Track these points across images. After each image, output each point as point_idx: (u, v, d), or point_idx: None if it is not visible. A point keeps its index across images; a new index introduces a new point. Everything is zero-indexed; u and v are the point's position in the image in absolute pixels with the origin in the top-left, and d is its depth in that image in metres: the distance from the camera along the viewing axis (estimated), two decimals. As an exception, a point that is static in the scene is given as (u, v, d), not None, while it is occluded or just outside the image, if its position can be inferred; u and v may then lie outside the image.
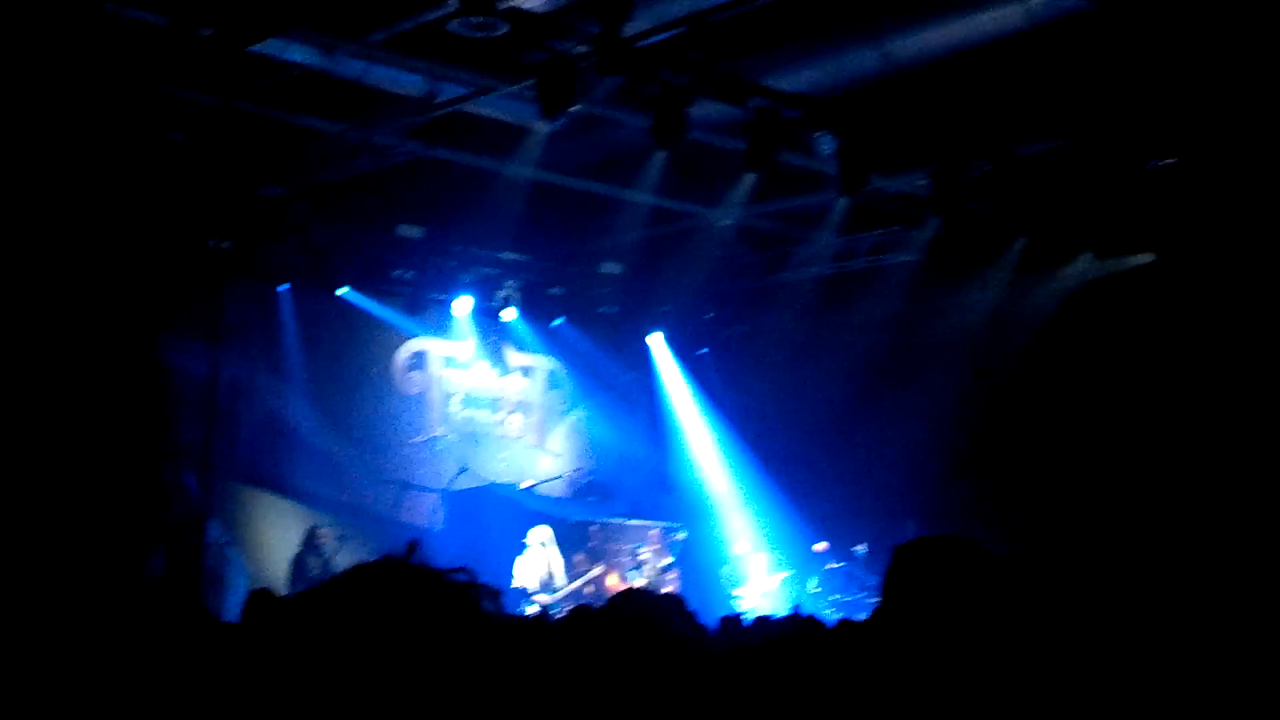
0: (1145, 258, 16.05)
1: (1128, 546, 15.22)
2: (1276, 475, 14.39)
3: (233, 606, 13.74)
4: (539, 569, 15.89)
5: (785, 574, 17.58)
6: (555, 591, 15.78)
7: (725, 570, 17.56)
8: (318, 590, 1.98)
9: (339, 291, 17.16)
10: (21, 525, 12.82)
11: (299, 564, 15.60)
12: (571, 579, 16.20)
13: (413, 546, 2.02)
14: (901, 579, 2.49)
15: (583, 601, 14.71)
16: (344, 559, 15.74)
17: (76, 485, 13.54)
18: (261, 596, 8.52)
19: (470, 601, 1.99)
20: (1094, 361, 16.24)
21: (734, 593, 17.23)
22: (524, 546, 16.07)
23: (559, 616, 11.15)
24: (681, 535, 17.42)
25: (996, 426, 17.19)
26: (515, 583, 15.42)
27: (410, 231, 17.11)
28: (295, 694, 1.84)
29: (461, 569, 2.02)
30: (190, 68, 12.45)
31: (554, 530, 16.56)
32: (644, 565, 16.79)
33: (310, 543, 15.79)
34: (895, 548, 2.58)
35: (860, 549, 17.14)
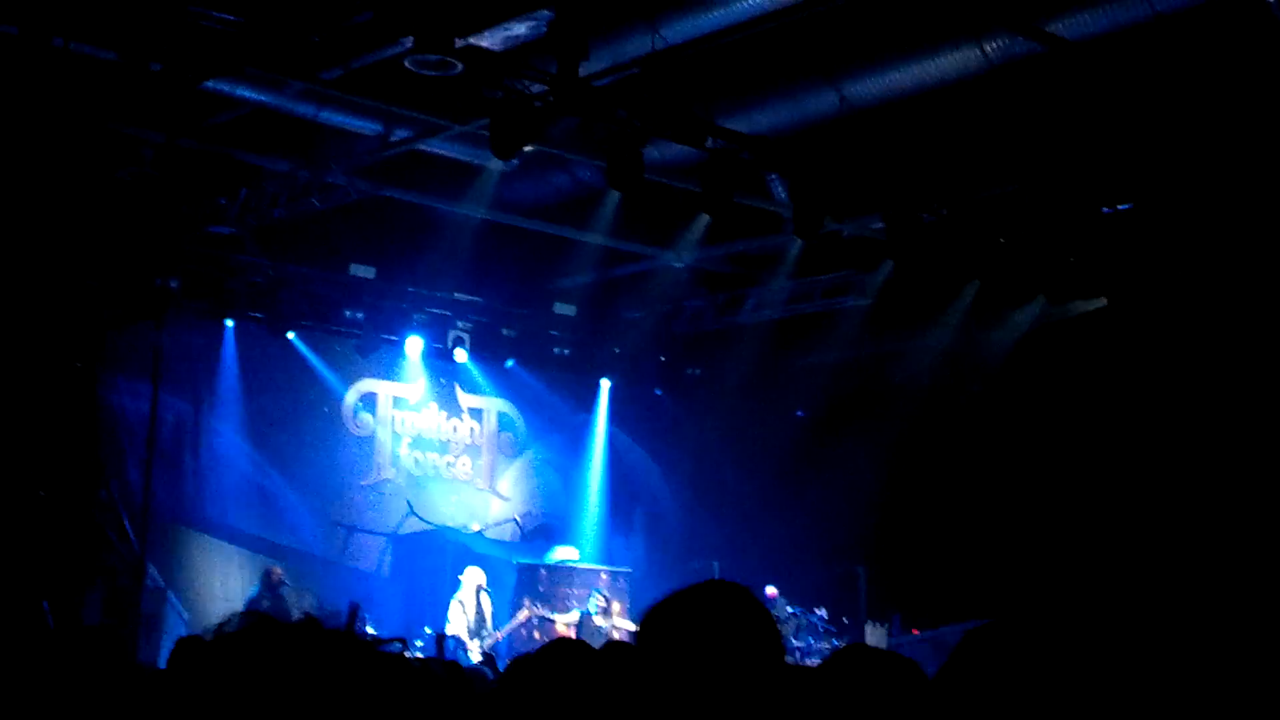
0: (1097, 303, 16.11)
1: (1082, 592, 15.19)
2: (1229, 517, 14.43)
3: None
4: (470, 614, 15.56)
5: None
6: (485, 637, 15.45)
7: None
8: (236, 640, 1.90)
9: (287, 335, 16.92)
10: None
11: (253, 607, 15.26)
12: (507, 624, 15.87)
13: (354, 611, 1.97)
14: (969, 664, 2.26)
15: (526, 648, 14.46)
16: (294, 602, 15.48)
17: (11, 527, 13.21)
18: (190, 643, 8.23)
19: (406, 673, 1.95)
20: (1046, 406, 16.26)
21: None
22: (459, 585, 15.78)
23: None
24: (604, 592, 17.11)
25: (946, 471, 17.17)
26: (448, 629, 15.12)
27: (362, 271, 16.93)
28: None
29: (397, 639, 2.02)
30: (139, 104, 12.26)
31: (503, 575, 16.30)
32: (594, 610, 16.57)
33: (265, 584, 15.46)
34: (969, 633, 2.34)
35: (820, 611, 16.98)
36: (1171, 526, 14.83)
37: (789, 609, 17.12)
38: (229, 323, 16.40)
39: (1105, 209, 14.11)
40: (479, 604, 15.69)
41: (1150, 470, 15.20)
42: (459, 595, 15.57)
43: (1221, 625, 12.85)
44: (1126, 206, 13.99)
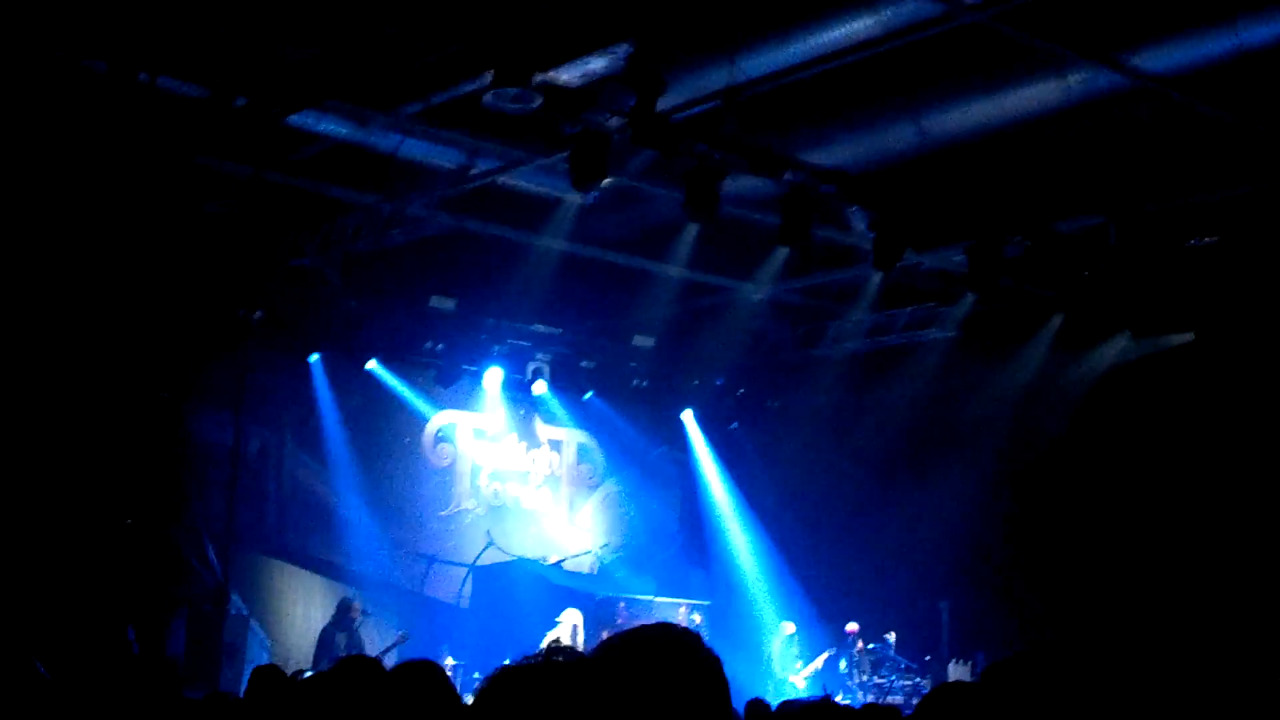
0: (1184, 337, 15.83)
1: (1160, 634, 14.91)
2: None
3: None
4: (564, 654, 15.42)
5: (823, 655, 17.24)
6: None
7: (766, 651, 17.26)
8: (331, 676, 1.88)
9: (367, 365, 17.07)
10: (43, 595, 12.73)
11: (326, 638, 15.36)
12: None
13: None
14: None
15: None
16: (369, 634, 15.55)
17: (98, 555, 13.45)
18: (266, 672, 8.29)
19: None
20: (1133, 441, 15.99)
21: (775, 675, 16.90)
22: (554, 624, 15.71)
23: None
24: (697, 618, 16.98)
25: (1030, 507, 16.93)
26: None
27: (442, 303, 17.06)
28: None
29: None
30: (224, 138, 12.47)
31: (582, 607, 16.26)
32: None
33: (341, 616, 15.52)
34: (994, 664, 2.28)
35: (889, 636, 16.86)
36: (1262, 564, 14.52)
37: (869, 645, 16.99)
38: (312, 355, 16.55)
39: (1191, 241, 13.88)
40: (574, 645, 15.65)
41: (1238, 507, 14.89)
42: (555, 634, 15.46)
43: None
44: (1212, 239, 13.75)
